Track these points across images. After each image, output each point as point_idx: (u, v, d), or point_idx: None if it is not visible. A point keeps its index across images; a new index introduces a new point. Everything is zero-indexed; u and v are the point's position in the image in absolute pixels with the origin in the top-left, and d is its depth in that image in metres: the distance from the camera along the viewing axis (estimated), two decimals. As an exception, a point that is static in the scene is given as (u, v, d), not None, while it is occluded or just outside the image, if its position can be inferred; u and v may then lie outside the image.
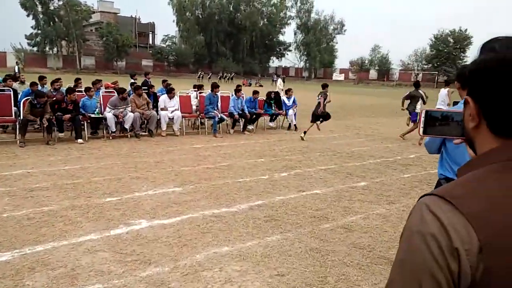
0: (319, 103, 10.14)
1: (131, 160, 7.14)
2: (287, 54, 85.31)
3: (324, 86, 10.65)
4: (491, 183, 0.71)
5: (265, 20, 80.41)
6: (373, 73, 71.13)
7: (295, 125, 11.73)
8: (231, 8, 78.61)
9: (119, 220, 4.37)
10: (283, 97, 12.04)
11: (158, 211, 4.69)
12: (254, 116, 11.11)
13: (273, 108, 12.05)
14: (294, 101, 12.07)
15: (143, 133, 9.69)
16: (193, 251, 3.70)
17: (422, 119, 0.99)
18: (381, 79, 68.53)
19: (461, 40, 59.29)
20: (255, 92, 11.40)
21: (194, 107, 10.88)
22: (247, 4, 77.45)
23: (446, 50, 59.52)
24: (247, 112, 10.73)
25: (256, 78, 56.36)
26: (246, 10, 77.16)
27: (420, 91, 10.65)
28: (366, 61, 71.91)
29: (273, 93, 12.07)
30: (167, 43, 72.30)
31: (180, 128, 10.12)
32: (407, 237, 0.73)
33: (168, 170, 6.59)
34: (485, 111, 0.75)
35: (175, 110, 9.96)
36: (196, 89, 11.40)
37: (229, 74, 54.19)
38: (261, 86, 42.08)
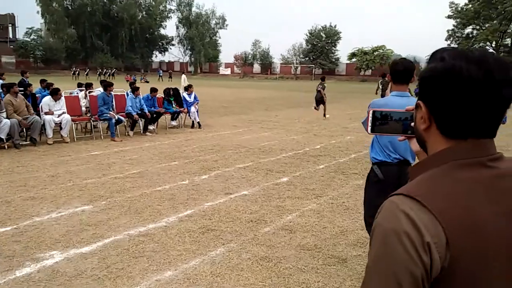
0: (319, 91, 13.77)
1: (18, 177, 5.92)
2: (171, 49, 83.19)
3: (323, 79, 14.61)
4: (448, 180, 0.80)
5: (144, 12, 76.81)
6: (256, 67, 73.68)
7: (198, 122, 11.26)
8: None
9: (23, 256, 3.49)
10: (184, 94, 11.45)
11: (71, 237, 3.90)
12: (155, 115, 10.32)
13: (173, 105, 11.39)
14: (195, 98, 11.57)
15: (24, 143, 8.20)
16: (130, 283, 3.11)
17: (370, 118, 1.05)
18: (264, 73, 71.39)
19: (332, 35, 65.03)
20: (153, 90, 10.58)
21: (83, 109, 9.64)
22: (122, -5, 72.95)
23: (320, 44, 64.67)
24: (147, 111, 9.90)
25: (141, 74, 53.56)
26: (122, 2, 72.59)
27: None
28: (250, 56, 74.05)
29: (171, 90, 11.39)
30: (31, 37, 63.84)
31: (69, 134, 8.83)
32: (380, 236, 0.78)
33: (69, 185, 5.62)
34: (435, 114, 0.84)
35: (63, 113, 8.64)
36: (84, 88, 10.09)
37: (109, 70, 50.35)
38: (147, 82, 40.05)
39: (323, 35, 65.47)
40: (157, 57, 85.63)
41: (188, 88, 11.48)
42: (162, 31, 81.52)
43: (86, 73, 48.20)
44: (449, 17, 53.73)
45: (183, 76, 25.05)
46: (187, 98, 11.37)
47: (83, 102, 9.64)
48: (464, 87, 0.78)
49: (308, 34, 66.59)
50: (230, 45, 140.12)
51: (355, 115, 14.85)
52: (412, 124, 0.98)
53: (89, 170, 6.48)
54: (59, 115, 8.54)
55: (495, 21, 49.15)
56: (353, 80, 59.49)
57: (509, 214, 0.79)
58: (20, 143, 7.94)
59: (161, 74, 51.75)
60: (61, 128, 8.63)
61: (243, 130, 10.98)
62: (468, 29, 53.03)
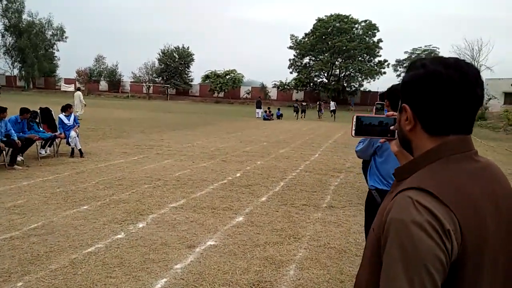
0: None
1: None
2: (-6, 60, 69.89)
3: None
4: (448, 173, 0.89)
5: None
6: (103, 84, 68.02)
7: (80, 150, 9.22)
8: None
9: None
10: (60, 115, 9.25)
11: None
12: (25, 142, 7.98)
13: (41, 128, 9.10)
14: (75, 120, 9.50)
15: None
16: None
17: (354, 123, 1.21)
18: (112, 91, 66.42)
19: (185, 56, 65.04)
20: (25, 111, 8.20)
21: None
22: None
23: (173, 65, 63.84)
24: (15, 138, 7.55)
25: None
26: None
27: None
28: (95, 72, 67.97)
29: (38, 109, 9.10)
30: None
31: None
32: (402, 229, 0.82)
33: None
34: (419, 115, 0.95)
35: None
36: None
37: None
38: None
39: (176, 56, 64.89)
40: (-26, 68, 70.96)
41: (66, 109, 9.33)
42: (-18, 39, 68.16)
43: None
44: (290, 48, 59.98)
45: (78, 93, 20.47)
46: (65, 121, 9.23)
47: None
48: (444, 87, 0.90)
49: (161, 54, 65.00)
50: (71, 60, 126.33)
51: (242, 137, 14.65)
52: (392, 127, 1.15)
53: (-44, 229, 4.36)
54: None
55: (327, 54, 56.99)
56: (207, 101, 60.43)
57: (494, 199, 0.90)
58: None
59: (-16, 89, 42.73)
60: None
61: (138, 158, 9.46)
62: (306, 59, 60.07)
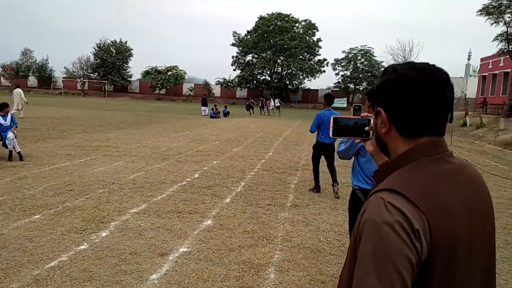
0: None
1: None
2: None
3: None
4: (420, 176, 0.90)
5: None
6: (32, 80, 63.13)
7: (19, 152, 8.44)
8: None
9: None
10: (-4, 115, 8.38)
11: None
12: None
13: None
14: (12, 120, 8.67)
15: None
16: None
17: (331, 124, 1.24)
18: (42, 87, 61.88)
19: (123, 51, 62.30)
20: (-47, 110, 7.31)
21: None
22: None
23: (110, 60, 60.89)
24: None
25: None
26: None
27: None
28: (23, 66, 62.80)
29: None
30: None
31: None
32: (374, 229, 0.84)
33: None
34: (394, 118, 0.97)
35: None
36: None
37: None
38: None
39: (114, 51, 61.90)
40: None
41: (2, 108, 8.48)
42: None
43: None
44: (233, 45, 59.92)
45: (18, 90, 18.64)
46: (1, 121, 8.39)
47: None
48: (415, 90, 0.93)
49: (96, 48, 61.59)
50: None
51: (192, 136, 14.36)
52: (367, 128, 1.19)
53: None
54: None
55: (269, 52, 57.74)
56: (148, 98, 58.52)
57: (466, 200, 0.92)
58: None
59: None
60: None
61: (85, 160, 8.87)
62: (249, 57, 60.40)
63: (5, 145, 8.38)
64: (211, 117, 26.21)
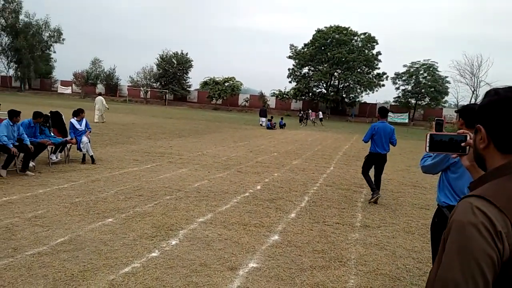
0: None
1: None
2: (-12, 59, 69.00)
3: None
4: (509, 186, 1.00)
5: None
6: (100, 88, 67.45)
7: (91, 156, 8.88)
8: None
9: None
10: (72, 120, 8.91)
11: None
12: (37, 147, 7.63)
13: (51, 133, 8.76)
14: (87, 125, 9.17)
15: None
16: None
17: (428, 140, 1.38)
18: (109, 94, 65.91)
19: (183, 62, 64.81)
20: (38, 115, 7.86)
21: None
22: None
23: (171, 70, 63.55)
24: (28, 143, 7.21)
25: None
26: None
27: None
28: (92, 75, 67.38)
29: (49, 113, 8.75)
30: None
31: None
32: (460, 229, 0.96)
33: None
34: (493, 135, 1.08)
35: None
36: None
37: None
38: (-38, 97, 31.81)
39: (175, 62, 64.61)
40: (-32, 67, 70.04)
41: (78, 113, 8.99)
42: (-23, 38, 67.29)
43: None
44: (289, 57, 60.06)
45: (101, 98, 20.86)
46: (77, 126, 8.90)
47: None
48: None
49: (159, 59, 64.69)
50: (67, 62, 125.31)
51: (250, 147, 14.37)
52: (463, 144, 1.34)
53: (-23, 243, 4.02)
54: None
55: (326, 65, 57.14)
56: (205, 108, 60.18)
57: None
58: None
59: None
60: None
61: (151, 166, 9.14)
62: (305, 69, 60.16)
63: (79, 149, 8.85)
64: (268, 128, 26.25)
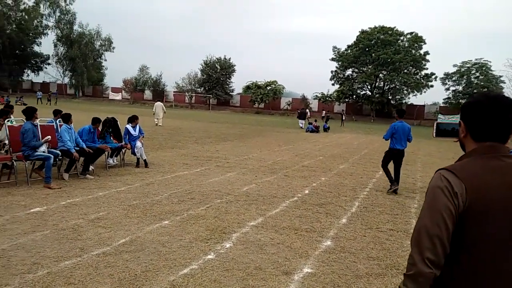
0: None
1: None
2: (46, 68, 73.99)
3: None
4: (472, 163, 1.44)
5: (14, 26, 67.22)
6: (148, 94, 70.12)
7: (145, 160, 9.26)
8: (-36, 7, 61.92)
9: None
10: (127, 126, 9.35)
11: None
12: (96, 152, 8.07)
13: (111, 139, 9.23)
14: (140, 131, 9.58)
15: None
16: None
17: (435, 127, 2.00)
18: (156, 100, 68.18)
19: (227, 67, 65.85)
20: (96, 120, 8.34)
21: (-2, 143, 6.98)
22: (-13, 4, 62.75)
23: (215, 75, 64.80)
24: (85, 146, 7.66)
25: (17, 95, 46.09)
26: (-13, 12, 62.29)
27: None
28: (140, 81, 70.14)
29: (111, 120, 9.23)
30: None
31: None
32: (430, 191, 1.44)
33: (39, 275, 3.52)
34: (469, 128, 1.51)
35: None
36: (4, 117, 7.35)
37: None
38: (25, 104, 34.28)
39: (218, 67, 65.83)
40: (29, 76, 75.46)
41: (133, 120, 9.42)
42: (36, 48, 72.36)
43: None
44: (332, 59, 59.27)
45: (160, 103, 22.85)
46: (132, 132, 9.32)
47: (1, 135, 6.97)
48: (483, 111, 1.45)
49: (203, 65, 66.18)
50: (115, 69, 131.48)
51: (295, 151, 14.34)
52: None
53: (48, 241, 4.33)
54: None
55: (370, 66, 55.82)
56: (247, 111, 60.73)
57: (506, 184, 1.39)
58: None
59: (40, 96, 45.20)
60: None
61: (200, 170, 9.37)
62: (349, 71, 59.14)
63: (134, 153, 9.25)
64: (311, 131, 26.02)
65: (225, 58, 66.70)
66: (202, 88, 66.32)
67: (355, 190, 8.13)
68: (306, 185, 8.37)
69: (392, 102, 56.05)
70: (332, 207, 6.67)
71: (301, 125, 29.38)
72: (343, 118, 39.82)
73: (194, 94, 65.75)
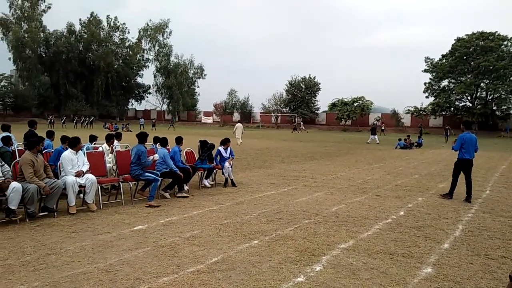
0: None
1: (58, 275, 4.00)
2: (147, 97, 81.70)
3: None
4: None
5: (121, 61, 75.73)
6: (236, 116, 73.09)
7: (232, 180, 9.58)
8: (80, 48, 71.66)
9: None
10: (220, 148, 9.82)
11: None
12: (190, 172, 8.58)
13: (206, 161, 9.74)
14: (231, 153, 9.97)
15: (40, 213, 6.23)
16: None
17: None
18: (244, 121, 70.78)
19: (311, 86, 65.92)
20: (180, 139, 8.94)
21: (108, 166, 7.80)
22: (99, 44, 71.85)
23: (300, 95, 65.21)
24: (181, 166, 8.17)
25: (124, 122, 51.61)
26: (98, 51, 71.27)
27: None
28: (229, 104, 73.52)
29: (212, 145, 9.78)
30: (1, 84, 60.98)
31: (93, 200, 6.92)
32: None
33: (141, 289, 3.78)
34: None
35: (87, 172, 6.80)
36: (111, 141, 8.27)
37: (87, 118, 47.93)
38: (129, 131, 38.07)
39: (303, 86, 66.22)
40: (133, 105, 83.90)
41: (225, 142, 9.86)
42: (139, 80, 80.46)
43: (62, 121, 45.55)
44: (425, 71, 55.78)
45: (240, 125, 24.92)
46: (223, 154, 9.75)
47: (109, 158, 7.81)
48: None
49: (288, 85, 67.20)
50: (206, 93, 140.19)
51: (387, 169, 13.61)
52: None
53: (148, 257, 4.64)
54: (78, 174, 6.65)
55: (469, 75, 51.28)
56: (334, 129, 59.69)
57: None
58: (37, 214, 5.98)
59: (142, 123, 49.86)
60: (83, 192, 6.75)
61: (287, 189, 9.37)
62: (445, 82, 55.03)
63: (223, 173, 9.63)
64: (404, 147, 24.53)
65: (309, 77, 66.94)
66: (288, 107, 67.10)
67: (458, 212, 7.39)
68: (401, 205, 7.85)
69: (497, 113, 50.61)
70: (432, 230, 6.13)
71: (368, 141, 30.11)
72: (448, 133, 37.15)
73: (279, 114, 66.78)
